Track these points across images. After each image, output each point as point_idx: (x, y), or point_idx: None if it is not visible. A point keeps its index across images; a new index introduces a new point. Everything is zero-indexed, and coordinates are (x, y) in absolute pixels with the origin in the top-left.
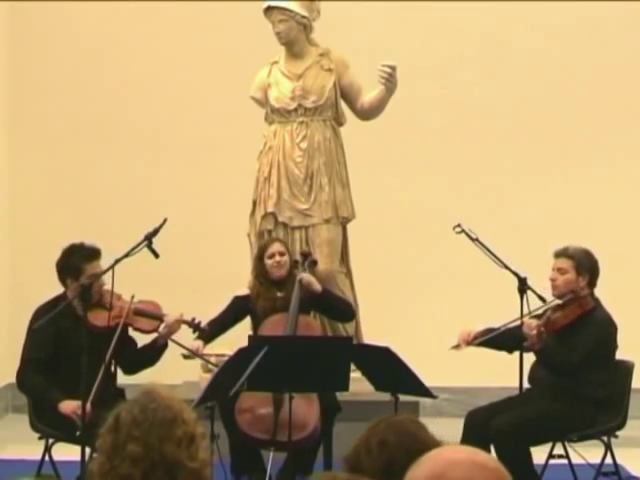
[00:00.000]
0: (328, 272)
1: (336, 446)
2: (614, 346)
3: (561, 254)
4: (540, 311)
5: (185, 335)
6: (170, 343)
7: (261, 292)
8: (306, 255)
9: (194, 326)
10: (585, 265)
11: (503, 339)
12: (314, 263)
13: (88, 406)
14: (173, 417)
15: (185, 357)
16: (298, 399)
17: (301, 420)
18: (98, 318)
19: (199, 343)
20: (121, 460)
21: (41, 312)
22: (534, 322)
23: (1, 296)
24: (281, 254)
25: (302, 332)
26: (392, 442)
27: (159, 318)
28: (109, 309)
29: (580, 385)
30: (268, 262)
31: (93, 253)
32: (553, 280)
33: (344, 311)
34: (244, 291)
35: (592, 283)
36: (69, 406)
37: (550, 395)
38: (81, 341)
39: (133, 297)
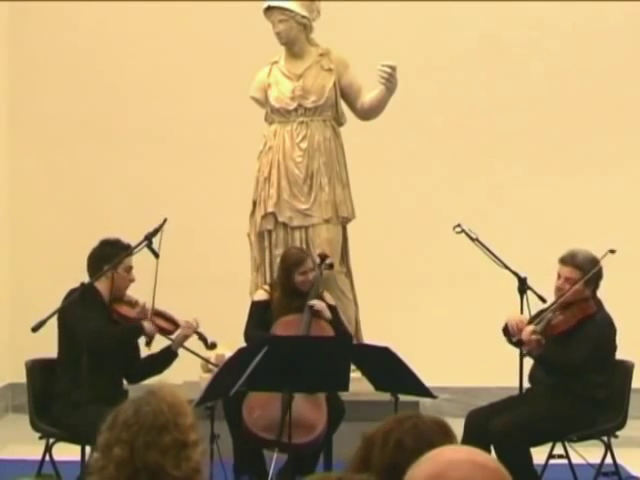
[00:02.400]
0: (330, 272)
1: (336, 446)
2: (613, 347)
3: (569, 262)
4: (542, 315)
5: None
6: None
7: (283, 302)
8: (323, 257)
9: (203, 339)
10: (593, 275)
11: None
12: (331, 266)
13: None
14: (164, 423)
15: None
16: (306, 402)
17: (309, 423)
18: (125, 310)
19: (223, 354)
20: (109, 461)
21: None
22: (530, 328)
23: (1, 296)
24: (312, 270)
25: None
26: (408, 445)
27: (176, 323)
28: (134, 305)
29: (580, 386)
30: (299, 278)
31: (129, 247)
32: (560, 289)
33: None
34: (260, 295)
35: (596, 286)
36: (150, 326)
37: (550, 395)
38: (120, 330)
39: (165, 220)
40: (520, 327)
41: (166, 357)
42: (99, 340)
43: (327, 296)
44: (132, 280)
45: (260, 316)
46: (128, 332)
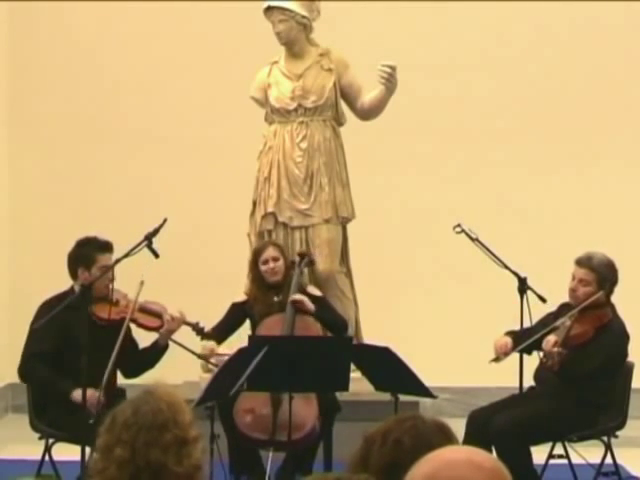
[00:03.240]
0: (328, 272)
1: (336, 446)
2: (625, 355)
3: (584, 264)
4: (559, 322)
5: (192, 338)
6: (177, 347)
7: (258, 296)
8: (303, 255)
9: (197, 329)
10: (608, 279)
11: (535, 344)
12: (311, 263)
13: (101, 395)
14: (163, 421)
15: (199, 357)
16: (296, 399)
17: (299, 420)
18: (104, 311)
19: (212, 344)
20: (110, 462)
21: (47, 307)
22: (552, 338)
23: (1, 296)
24: (275, 259)
25: (300, 333)
26: (407, 445)
27: (161, 317)
28: (115, 304)
29: (586, 390)
30: (262, 267)
31: (106, 245)
32: (573, 290)
33: (337, 328)
34: (241, 297)
35: (610, 291)
36: (88, 397)
37: (553, 395)
38: (56, 385)
39: (142, 283)
40: (505, 350)
41: (155, 351)
42: (23, 373)
43: (311, 288)
44: (110, 280)
45: (231, 316)
46: (53, 388)
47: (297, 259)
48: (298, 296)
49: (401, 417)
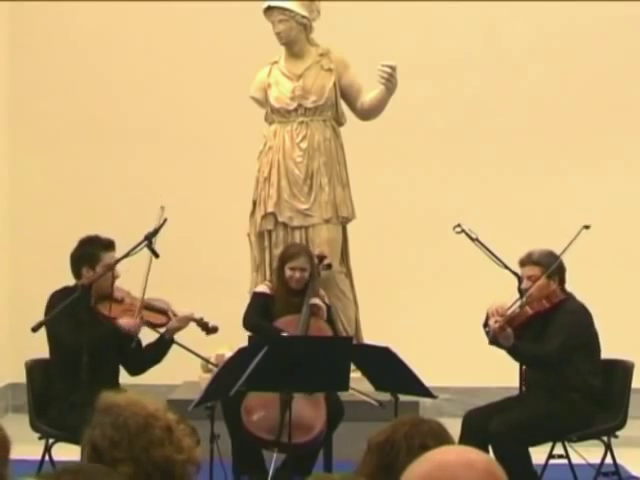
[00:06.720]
0: (328, 272)
1: (336, 446)
2: (592, 332)
3: (526, 262)
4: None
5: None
6: (176, 347)
7: (281, 293)
8: (321, 258)
9: (201, 325)
10: (553, 268)
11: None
12: (329, 266)
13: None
14: (144, 420)
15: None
16: (305, 402)
17: (308, 423)
18: (109, 309)
19: (223, 354)
20: None
21: (57, 298)
22: (494, 318)
23: (1, 296)
24: (302, 270)
25: (314, 335)
26: (432, 448)
27: (167, 314)
28: (120, 302)
29: (571, 377)
30: (288, 272)
31: (109, 243)
32: (526, 289)
33: None
34: (261, 288)
35: (562, 280)
36: (128, 322)
37: (547, 395)
38: (95, 333)
39: (163, 208)
40: (500, 312)
41: (162, 346)
42: (79, 351)
43: (324, 295)
44: (116, 277)
45: (261, 305)
46: (105, 334)
47: (315, 261)
48: (319, 301)
49: (413, 421)
